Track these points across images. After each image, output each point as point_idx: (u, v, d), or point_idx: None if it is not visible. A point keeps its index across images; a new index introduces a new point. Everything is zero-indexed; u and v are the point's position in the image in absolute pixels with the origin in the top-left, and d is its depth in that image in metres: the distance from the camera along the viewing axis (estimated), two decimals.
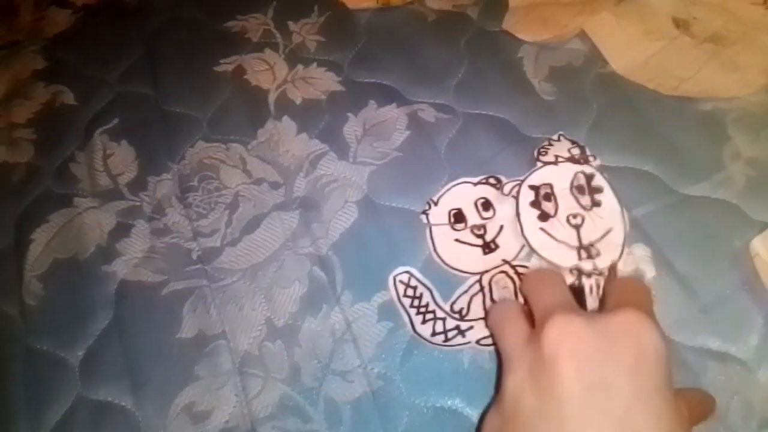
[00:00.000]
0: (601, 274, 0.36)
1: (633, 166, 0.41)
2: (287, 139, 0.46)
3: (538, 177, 0.40)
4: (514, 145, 0.43)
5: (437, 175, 0.42)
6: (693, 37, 0.46)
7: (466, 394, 0.35)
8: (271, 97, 0.49)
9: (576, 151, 0.40)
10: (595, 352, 0.26)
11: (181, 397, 0.37)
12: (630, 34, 0.47)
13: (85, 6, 0.59)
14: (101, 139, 0.49)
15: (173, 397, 0.37)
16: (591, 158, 0.40)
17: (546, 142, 0.42)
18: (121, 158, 0.47)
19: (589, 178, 0.39)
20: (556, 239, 0.37)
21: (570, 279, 0.35)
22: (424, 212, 0.40)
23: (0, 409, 0.38)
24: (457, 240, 0.39)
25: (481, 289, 0.37)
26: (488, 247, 0.39)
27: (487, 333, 0.35)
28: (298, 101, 0.48)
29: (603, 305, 0.33)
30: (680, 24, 0.47)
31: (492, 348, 0.35)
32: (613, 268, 0.36)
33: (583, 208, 0.38)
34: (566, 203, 0.38)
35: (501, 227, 0.39)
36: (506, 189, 0.40)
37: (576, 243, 0.37)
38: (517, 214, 0.38)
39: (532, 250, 0.37)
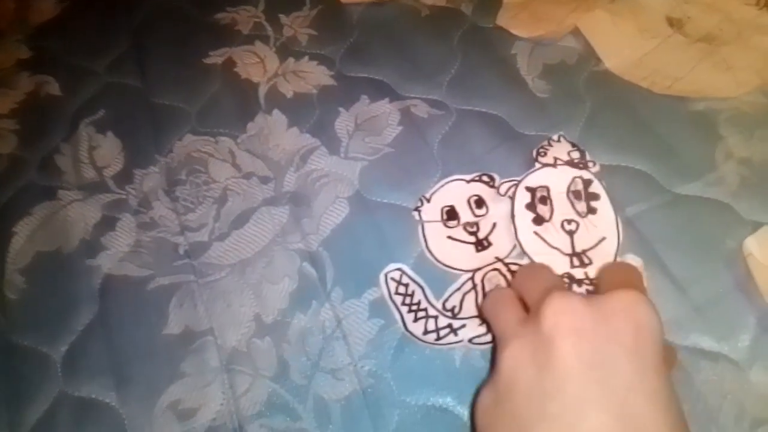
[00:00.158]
0: (591, 283, 0.35)
1: (626, 165, 0.41)
2: (277, 133, 0.46)
3: (535, 179, 0.39)
4: (507, 143, 0.43)
5: (430, 172, 0.42)
6: (686, 36, 0.46)
7: (458, 392, 0.34)
8: (262, 91, 0.48)
9: (576, 155, 0.40)
10: (593, 329, 0.26)
11: (167, 395, 0.36)
12: (624, 32, 0.47)
13: None
14: (87, 130, 0.48)
15: (159, 395, 0.36)
16: (590, 164, 0.40)
17: (546, 142, 0.41)
18: (107, 150, 0.47)
19: (587, 183, 0.39)
20: (549, 245, 0.37)
21: None
22: (417, 209, 0.40)
23: None
24: (449, 237, 0.39)
25: (474, 286, 0.37)
26: (481, 245, 0.38)
27: (479, 332, 0.35)
28: (289, 95, 0.48)
29: (597, 289, 0.34)
30: (674, 23, 0.47)
31: (484, 347, 0.35)
32: None
33: (579, 214, 0.38)
34: (562, 208, 0.38)
35: (494, 225, 0.39)
36: (502, 189, 0.39)
37: (569, 250, 0.37)
38: (512, 216, 0.38)
39: (525, 255, 0.37)
